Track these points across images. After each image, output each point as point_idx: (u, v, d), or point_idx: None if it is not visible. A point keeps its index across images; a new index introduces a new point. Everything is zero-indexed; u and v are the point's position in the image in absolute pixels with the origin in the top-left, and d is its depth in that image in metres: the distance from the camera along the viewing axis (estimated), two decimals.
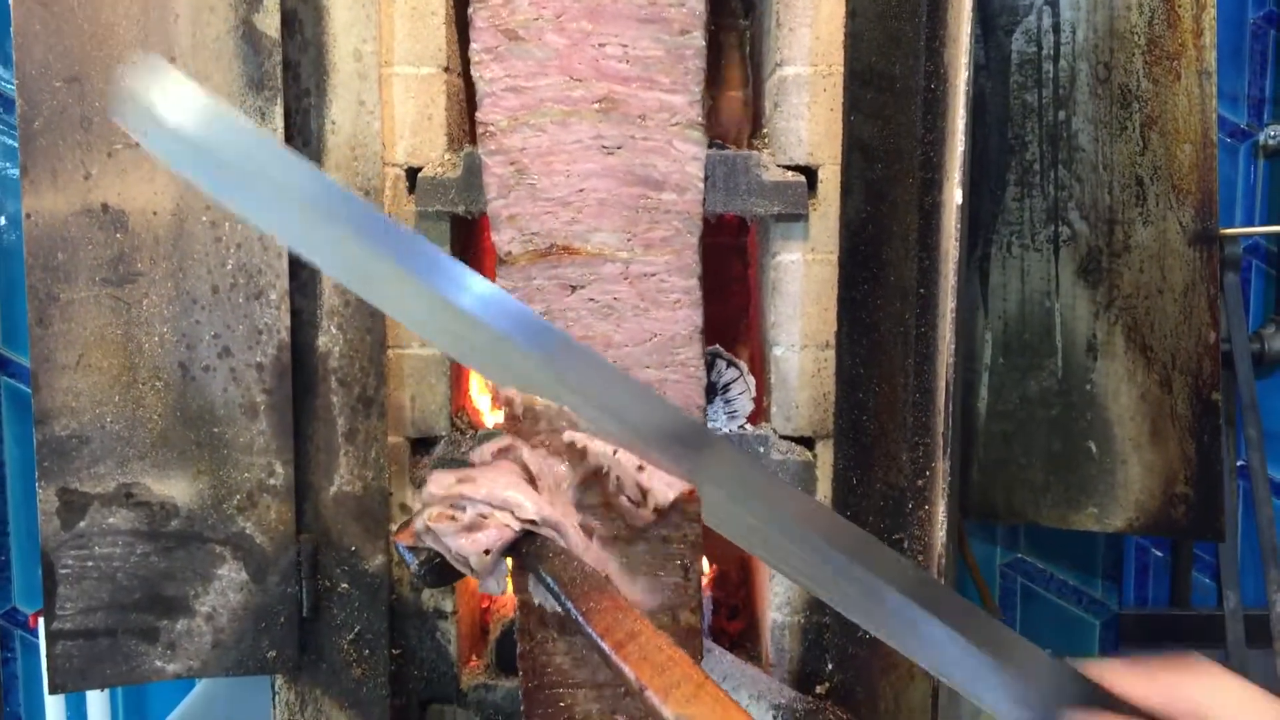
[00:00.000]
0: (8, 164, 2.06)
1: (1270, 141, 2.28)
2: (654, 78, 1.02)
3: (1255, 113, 2.31)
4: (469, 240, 1.55)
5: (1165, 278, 1.80)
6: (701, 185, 1.05)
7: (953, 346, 1.28)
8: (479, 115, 1.06)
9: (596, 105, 1.02)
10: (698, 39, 1.02)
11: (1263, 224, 2.33)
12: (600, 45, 1.02)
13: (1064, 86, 1.85)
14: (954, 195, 1.24)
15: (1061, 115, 1.85)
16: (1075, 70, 1.84)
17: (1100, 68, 1.82)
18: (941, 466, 1.30)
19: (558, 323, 1.06)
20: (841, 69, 1.41)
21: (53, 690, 1.44)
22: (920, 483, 1.38)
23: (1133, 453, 1.85)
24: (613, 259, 1.05)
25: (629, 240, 1.04)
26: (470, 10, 1.06)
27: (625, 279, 1.05)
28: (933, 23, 1.34)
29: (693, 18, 1.01)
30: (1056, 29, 1.85)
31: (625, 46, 1.02)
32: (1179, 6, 1.75)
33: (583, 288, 1.06)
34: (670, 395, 1.09)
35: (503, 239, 1.06)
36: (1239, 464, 2.28)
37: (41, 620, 1.90)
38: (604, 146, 1.03)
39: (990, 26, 1.90)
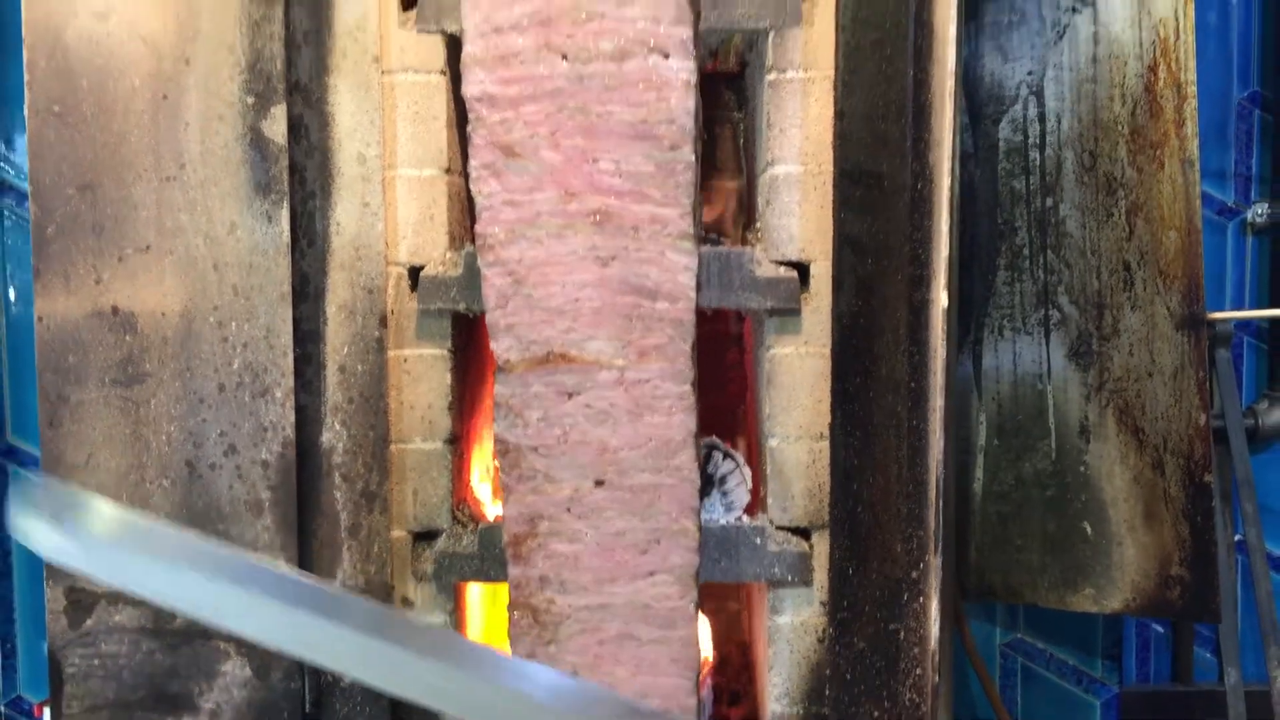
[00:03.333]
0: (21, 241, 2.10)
1: (1258, 219, 2.32)
2: (646, 191, 1.06)
3: (1242, 191, 2.35)
4: (470, 337, 1.58)
5: (1155, 361, 1.83)
6: (694, 295, 1.09)
7: (943, 444, 1.31)
8: (477, 228, 1.09)
9: (591, 218, 1.06)
10: (687, 154, 1.06)
11: (1252, 299, 2.37)
12: (594, 161, 1.06)
13: (1050, 174, 1.89)
14: (940, 298, 1.28)
15: (1049, 201, 1.90)
16: (1061, 158, 1.88)
17: (1085, 156, 1.86)
18: (934, 562, 1.32)
19: (554, 428, 1.09)
20: (831, 168, 1.46)
21: None
22: (915, 575, 1.40)
23: (1128, 534, 1.87)
24: (608, 366, 1.08)
25: (624, 348, 1.08)
26: (469, 128, 1.10)
27: (620, 385, 1.08)
28: (918, 125, 1.39)
29: (683, 134, 1.05)
30: (1042, 118, 1.90)
31: (618, 162, 1.06)
32: (1160, 97, 1.80)
33: (579, 394, 1.09)
34: (664, 500, 1.11)
35: (501, 347, 1.09)
36: (1236, 538, 2.29)
37: (48, 711, 1.92)
38: (598, 258, 1.07)
39: (977, 115, 1.95)
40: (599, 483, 1.10)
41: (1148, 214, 1.83)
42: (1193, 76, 1.78)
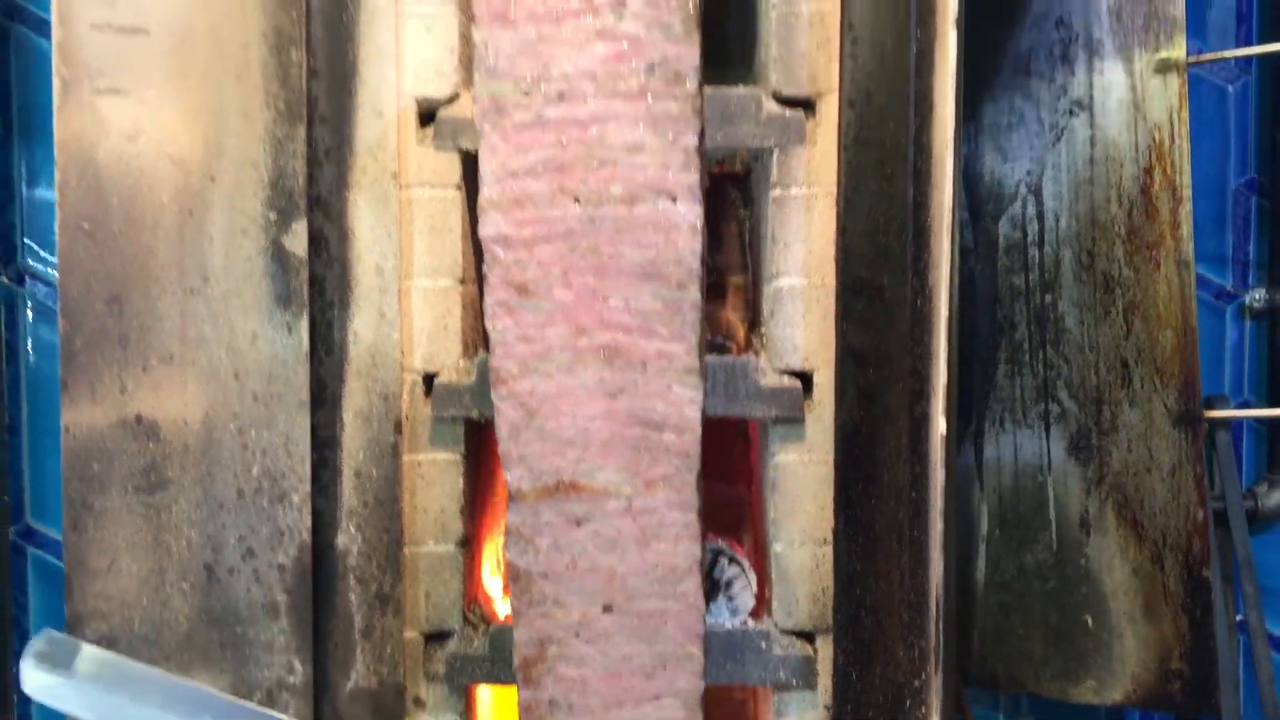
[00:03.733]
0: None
1: (1255, 304, 2.36)
2: (654, 328, 1.10)
3: (1240, 275, 2.39)
4: (481, 441, 1.63)
5: (1153, 457, 1.87)
6: (699, 427, 1.13)
7: (943, 562, 1.34)
8: (491, 363, 1.14)
9: (601, 353, 1.10)
10: (694, 293, 1.11)
11: (1250, 382, 2.40)
12: (604, 299, 1.11)
13: (1049, 271, 1.94)
14: (939, 423, 1.32)
15: (1048, 298, 1.94)
16: (1060, 256, 1.93)
17: (1084, 254, 1.91)
18: (935, 679, 1.35)
19: (564, 555, 1.13)
20: (834, 280, 1.50)
21: None
22: (916, 683, 1.43)
23: (1128, 627, 1.90)
24: (616, 495, 1.12)
25: (632, 478, 1.12)
26: (484, 267, 1.15)
27: (628, 514, 1.12)
28: (918, 245, 1.43)
29: (690, 274, 1.10)
30: (1040, 217, 1.94)
31: (627, 300, 1.10)
32: (1156, 200, 1.85)
33: (588, 522, 1.13)
34: (671, 625, 1.15)
35: (513, 476, 1.14)
36: (1238, 618, 2.31)
37: None
38: (608, 391, 1.11)
39: (978, 212, 2.00)
40: (607, 608, 1.14)
41: (1144, 313, 1.87)
42: (1188, 180, 1.83)
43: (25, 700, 2.15)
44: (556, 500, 1.12)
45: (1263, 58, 2.26)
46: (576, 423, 1.11)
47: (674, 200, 1.10)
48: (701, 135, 1.09)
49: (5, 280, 2.13)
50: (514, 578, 1.15)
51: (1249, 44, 2.32)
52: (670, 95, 1.08)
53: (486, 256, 1.14)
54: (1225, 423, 2.19)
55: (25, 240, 2.14)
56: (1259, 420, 2.38)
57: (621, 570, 1.13)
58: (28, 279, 2.15)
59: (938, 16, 1.36)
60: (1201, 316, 2.29)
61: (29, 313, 2.15)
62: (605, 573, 1.13)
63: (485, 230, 1.12)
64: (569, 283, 1.10)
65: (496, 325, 1.12)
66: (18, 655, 2.12)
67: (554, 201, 1.10)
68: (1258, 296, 2.35)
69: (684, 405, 1.11)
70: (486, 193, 1.12)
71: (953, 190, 1.36)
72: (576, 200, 1.10)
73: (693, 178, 1.09)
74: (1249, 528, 2.27)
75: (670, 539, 1.12)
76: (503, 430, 1.13)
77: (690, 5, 1.07)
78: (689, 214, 1.10)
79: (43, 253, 2.14)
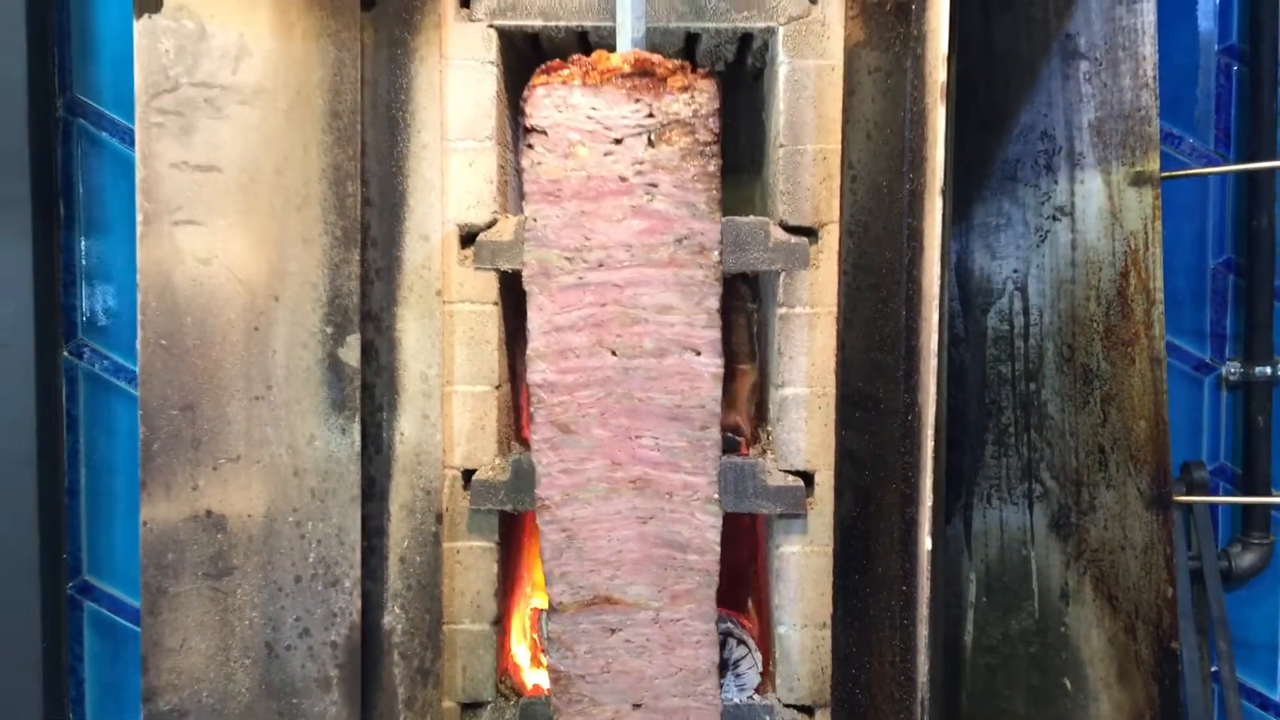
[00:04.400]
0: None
1: (1231, 375, 2.50)
2: (679, 463, 1.26)
3: (1218, 349, 2.53)
4: (512, 530, 1.79)
5: (1127, 536, 2.03)
6: (718, 549, 1.29)
7: (929, 656, 1.51)
8: (537, 492, 1.30)
9: (633, 484, 1.26)
10: (714, 433, 1.27)
11: (1226, 449, 2.54)
12: (636, 437, 1.27)
13: (1033, 361, 2.10)
14: (925, 539, 1.48)
15: (1032, 386, 2.10)
16: (1043, 348, 2.09)
17: (1065, 348, 2.07)
18: None
19: (599, 659, 1.29)
20: (834, 390, 1.67)
21: None
22: None
23: (1103, 691, 2.06)
24: (646, 608, 1.29)
25: (659, 592, 1.28)
26: (531, 408, 1.31)
27: (656, 624, 1.28)
28: (909, 361, 1.60)
29: (711, 417, 1.26)
30: (1026, 311, 2.10)
31: (657, 439, 1.26)
32: (1131, 301, 2.01)
33: (620, 630, 1.29)
34: (693, 714, 1.31)
35: (555, 591, 1.30)
36: (1213, 669, 2.46)
37: None
38: (639, 517, 1.27)
39: (968, 304, 2.16)
40: (636, 706, 1.30)
41: (1120, 404, 2.03)
42: (1160, 284, 1.99)
43: None
44: (593, 612, 1.28)
45: (1238, 146, 2.42)
46: (611, 544, 1.28)
47: (698, 353, 1.26)
48: (721, 296, 1.26)
49: (67, 355, 2.29)
50: (555, 679, 1.32)
51: (1228, 130, 2.48)
52: (696, 264, 1.24)
53: (533, 399, 1.30)
54: (1203, 486, 2.36)
55: (84, 320, 2.31)
56: (1234, 483, 2.53)
57: (649, 673, 1.29)
58: (86, 354, 2.31)
59: (928, 165, 1.53)
60: (1181, 387, 2.46)
61: (86, 386, 2.32)
62: (635, 675, 1.29)
63: (533, 377, 1.29)
64: (605, 423, 1.26)
65: (541, 460, 1.28)
66: (74, 701, 2.29)
67: (593, 353, 1.26)
68: (1233, 369, 2.50)
69: (705, 530, 1.27)
70: (534, 344, 1.28)
71: (939, 318, 1.53)
72: (613, 352, 1.26)
73: (714, 334, 1.26)
74: (1224, 585, 2.43)
75: (692, 645, 1.28)
76: (546, 551, 1.29)
77: (714, 188, 1.24)
78: (711, 365, 1.26)
79: (99, 332, 2.30)
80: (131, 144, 2.20)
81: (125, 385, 2.31)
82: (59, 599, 2.32)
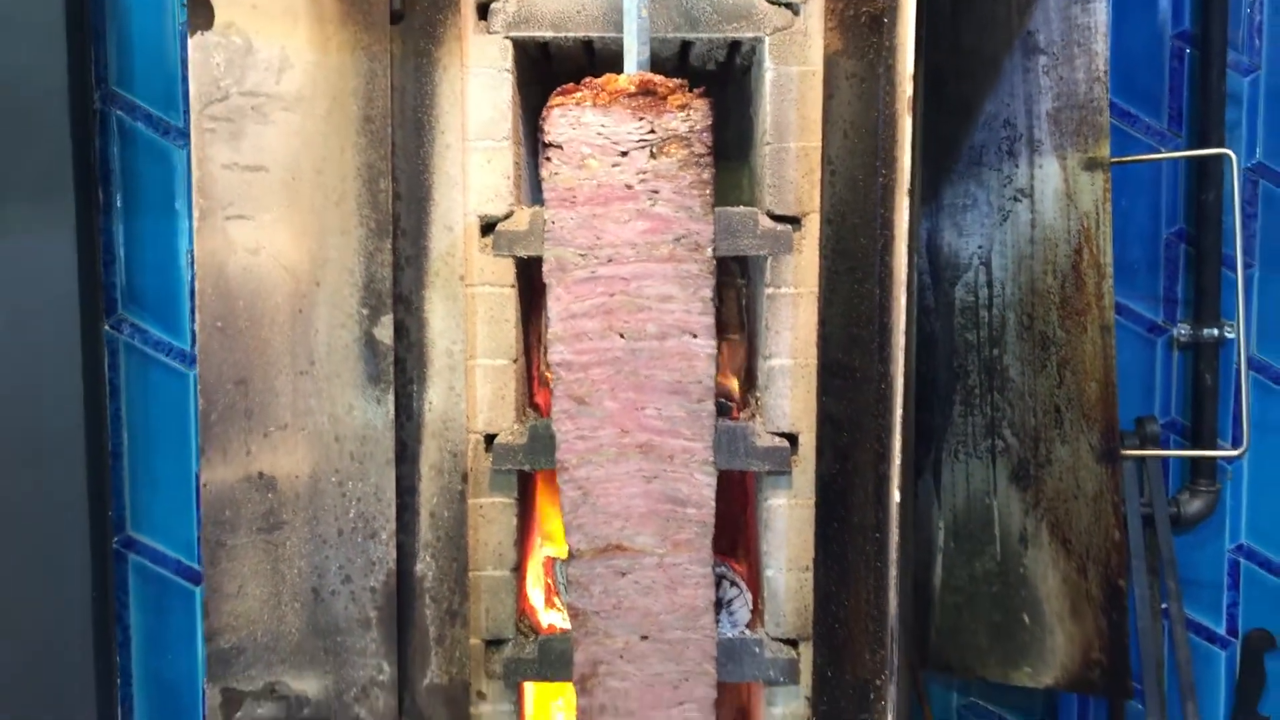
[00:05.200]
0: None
1: (1181, 337, 2.69)
2: (679, 431, 1.47)
3: (1170, 312, 2.71)
4: (527, 488, 2.00)
5: (1079, 486, 2.24)
6: (714, 503, 1.50)
7: (898, 591, 1.73)
8: (557, 455, 1.51)
9: (639, 449, 1.47)
10: (709, 405, 1.47)
11: (1177, 405, 2.73)
12: (642, 409, 1.47)
13: (996, 330, 2.31)
14: (894, 492, 1.70)
15: (995, 352, 2.31)
16: (1005, 318, 2.30)
17: (1025, 317, 2.28)
18: (891, 679, 1.74)
19: (611, 598, 1.51)
20: (815, 361, 1.87)
21: None
22: (878, 681, 1.83)
23: (1058, 625, 2.29)
24: (651, 554, 1.50)
25: (663, 541, 1.49)
26: (551, 383, 1.51)
27: (660, 567, 1.49)
28: (882, 336, 1.81)
29: (706, 391, 1.47)
30: (990, 284, 2.31)
31: (659, 410, 1.47)
32: (1084, 275, 2.21)
33: (630, 573, 1.50)
34: (692, 650, 1.52)
35: (573, 540, 1.51)
36: (1163, 607, 2.67)
37: None
38: (644, 477, 1.48)
39: (938, 277, 2.37)
40: (644, 637, 1.52)
41: (1074, 367, 2.24)
42: (1110, 259, 2.19)
43: (128, 684, 2.54)
44: (606, 557, 1.50)
45: (1190, 125, 2.61)
46: (621, 500, 1.49)
47: (695, 336, 1.46)
48: (714, 286, 1.46)
49: (108, 329, 2.49)
50: (573, 615, 1.53)
51: (1180, 110, 2.66)
52: (692, 259, 1.44)
53: (553, 376, 1.50)
54: (1154, 438, 2.57)
55: (122, 296, 2.50)
56: (1184, 435, 2.73)
57: (655, 609, 1.51)
58: (125, 328, 2.50)
59: (898, 165, 1.73)
60: (1136, 347, 2.67)
61: (126, 358, 2.51)
62: (643, 611, 1.51)
63: (552, 357, 1.49)
64: (615, 396, 1.47)
65: (561, 428, 1.49)
66: (121, 645, 2.51)
67: (604, 336, 1.47)
68: (1183, 331, 2.69)
69: (702, 487, 1.48)
70: (553, 329, 1.49)
71: (908, 299, 1.73)
72: (621, 336, 1.47)
73: (708, 320, 1.46)
74: (1174, 530, 2.65)
75: (692, 586, 1.50)
76: (565, 506, 1.51)
77: (707, 193, 1.43)
78: (706, 346, 1.47)
79: (136, 307, 2.50)
80: (162, 133, 2.40)
81: (162, 356, 2.51)
82: (106, 552, 2.53)
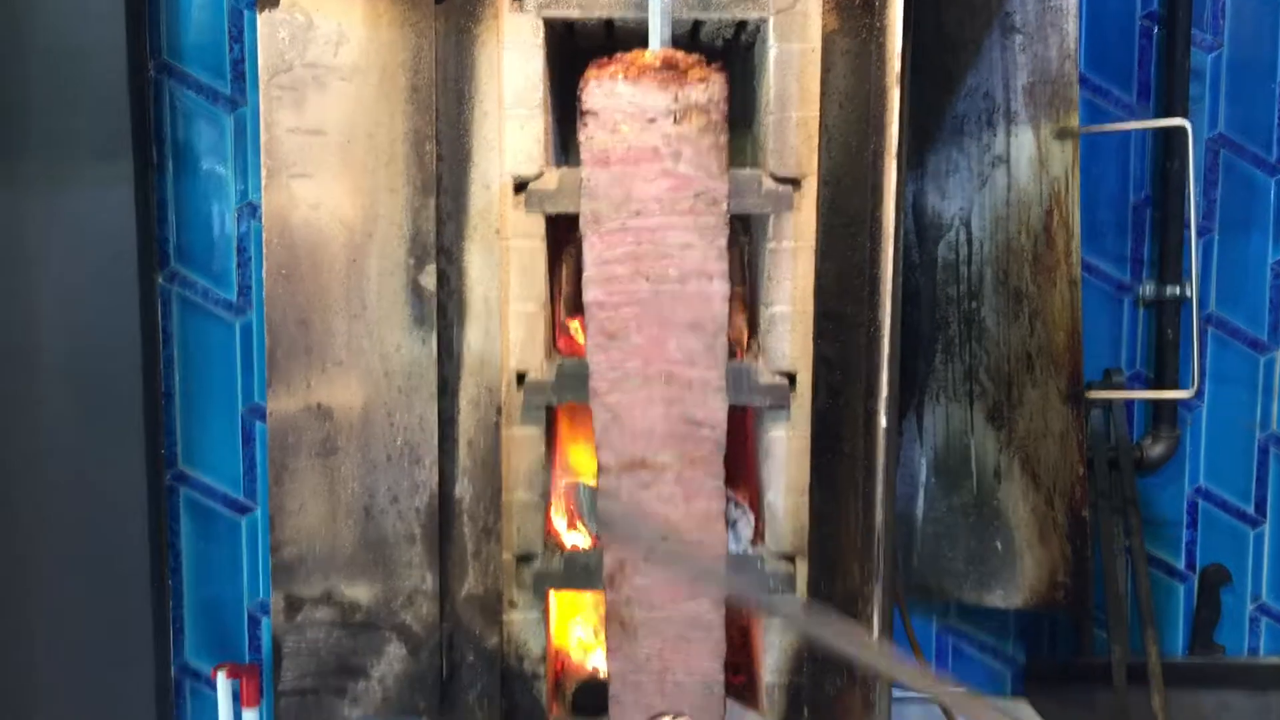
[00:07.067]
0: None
1: (1146, 295, 2.90)
2: (696, 362, 1.70)
3: (1136, 271, 2.90)
4: (553, 423, 2.22)
5: (1048, 425, 2.48)
6: (725, 425, 1.74)
7: (884, 510, 1.97)
8: (591, 384, 1.74)
9: (662, 378, 1.70)
10: (723, 340, 1.70)
11: (1142, 358, 2.94)
12: (664, 344, 1.70)
13: (975, 284, 2.53)
14: (881, 419, 1.93)
15: (974, 305, 2.54)
16: (983, 273, 2.52)
17: (1001, 273, 2.50)
18: (877, 588, 1.99)
19: (636, 506, 1.75)
20: (811, 308, 2.09)
21: None
22: (866, 590, 2.07)
23: (1027, 550, 2.53)
24: (670, 468, 1.73)
25: (680, 458, 1.72)
26: (586, 316, 1.74)
27: (678, 481, 1.72)
28: (872, 287, 2.04)
29: (720, 328, 1.70)
30: (969, 243, 2.54)
31: (680, 344, 1.69)
32: (1055, 235, 2.43)
33: (652, 486, 1.73)
34: (704, 552, 1.76)
35: (603, 456, 1.74)
36: (1126, 544, 2.89)
37: (221, 675, 2.57)
38: (666, 402, 1.71)
39: (922, 236, 2.59)
40: (664, 539, 1.75)
41: (1044, 319, 2.46)
42: (1078, 220, 2.41)
43: (180, 609, 2.78)
44: (631, 472, 1.73)
45: (1157, 99, 2.82)
46: (645, 422, 1.72)
47: (711, 280, 1.70)
48: (730, 233, 1.69)
49: (162, 282, 2.71)
50: (602, 523, 1.77)
51: (1148, 84, 2.86)
52: (709, 213, 1.67)
53: (588, 314, 1.73)
54: (1120, 387, 2.79)
55: (175, 250, 2.72)
56: (1148, 385, 2.94)
57: (674, 517, 1.74)
58: (176, 281, 2.72)
59: (887, 133, 1.95)
60: (1103, 305, 2.88)
61: (177, 307, 2.74)
62: (662, 518, 1.74)
63: (587, 296, 1.72)
64: (641, 332, 1.70)
65: (594, 359, 1.72)
66: (173, 570, 2.74)
67: (632, 280, 1.70)
68: (1148, 289, 2.90)
69: (715, 411, 1.72)
70: (588, 273, 1.71)
71: (895, 254, 1.96)
72: (647, 279, 1.70)
73: (723, 265, 1.69)
74: (1137, 472, 2.87)
75: (704, 498, 1.73)
76: (597, 427, 1.74)
77: (723, 156, 1.66)
78: (721, 289, 1.70)
79: (187, 260, 2.72)
80: (210, 98, 2.61)
81: (210, 305, 2.73)
82: (160, 486, 2.75)
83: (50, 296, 2.60)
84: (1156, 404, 2.89)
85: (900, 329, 2.06)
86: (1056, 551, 2.47)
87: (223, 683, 2.63)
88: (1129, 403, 2.91)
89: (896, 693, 2.27)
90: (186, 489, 2.79)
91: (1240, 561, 2.93)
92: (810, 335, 2.09)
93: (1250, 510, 2.91)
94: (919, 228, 2.59)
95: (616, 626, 1.77)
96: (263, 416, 2.46)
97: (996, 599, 2.55)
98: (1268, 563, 2.93)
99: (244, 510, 2.80)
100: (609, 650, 1.79)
